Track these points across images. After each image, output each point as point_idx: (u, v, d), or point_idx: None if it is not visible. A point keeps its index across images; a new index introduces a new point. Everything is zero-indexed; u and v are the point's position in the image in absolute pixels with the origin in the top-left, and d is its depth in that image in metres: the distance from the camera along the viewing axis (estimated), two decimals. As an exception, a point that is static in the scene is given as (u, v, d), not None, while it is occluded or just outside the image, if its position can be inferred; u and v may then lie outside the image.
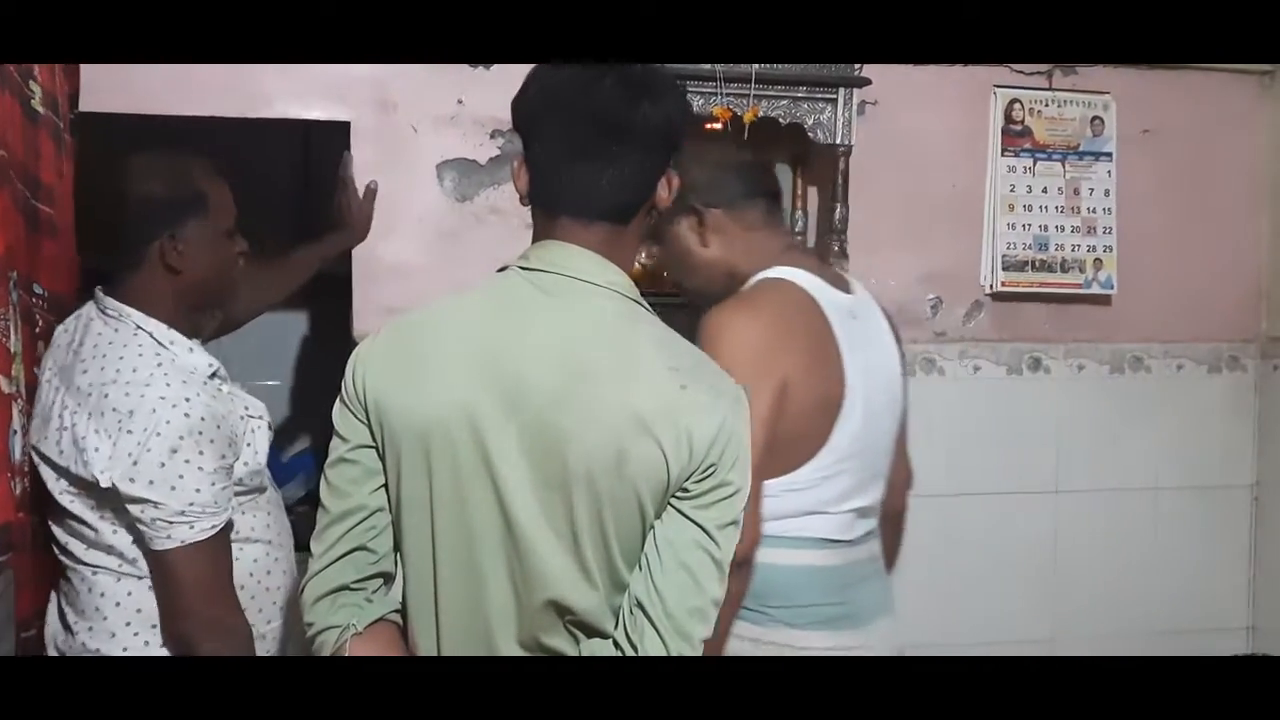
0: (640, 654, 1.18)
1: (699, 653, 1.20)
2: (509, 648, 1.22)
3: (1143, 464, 2.86)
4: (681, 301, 1.89)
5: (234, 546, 1.63)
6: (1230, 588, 2.95)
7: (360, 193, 2.26)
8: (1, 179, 1.52)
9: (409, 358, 1.22)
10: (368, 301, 2.38)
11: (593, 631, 1.22)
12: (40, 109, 1.71)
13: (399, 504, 1.23)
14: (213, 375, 1.65)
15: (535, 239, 1.27)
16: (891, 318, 1.81)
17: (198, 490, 1.52)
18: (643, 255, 2.19)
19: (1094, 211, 2.77)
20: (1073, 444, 2.82)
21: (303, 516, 1.98)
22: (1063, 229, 2.75)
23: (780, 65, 2.37)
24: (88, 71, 2.03)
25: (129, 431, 1.51)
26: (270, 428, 1.72)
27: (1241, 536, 2.95)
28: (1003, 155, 2.72)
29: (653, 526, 1.20)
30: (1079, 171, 2.76)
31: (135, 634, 1.59)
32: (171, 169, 1.64)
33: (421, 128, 2.41)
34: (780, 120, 2.42)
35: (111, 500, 1.54)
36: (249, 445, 1.65)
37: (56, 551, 1.63)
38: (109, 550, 1.58)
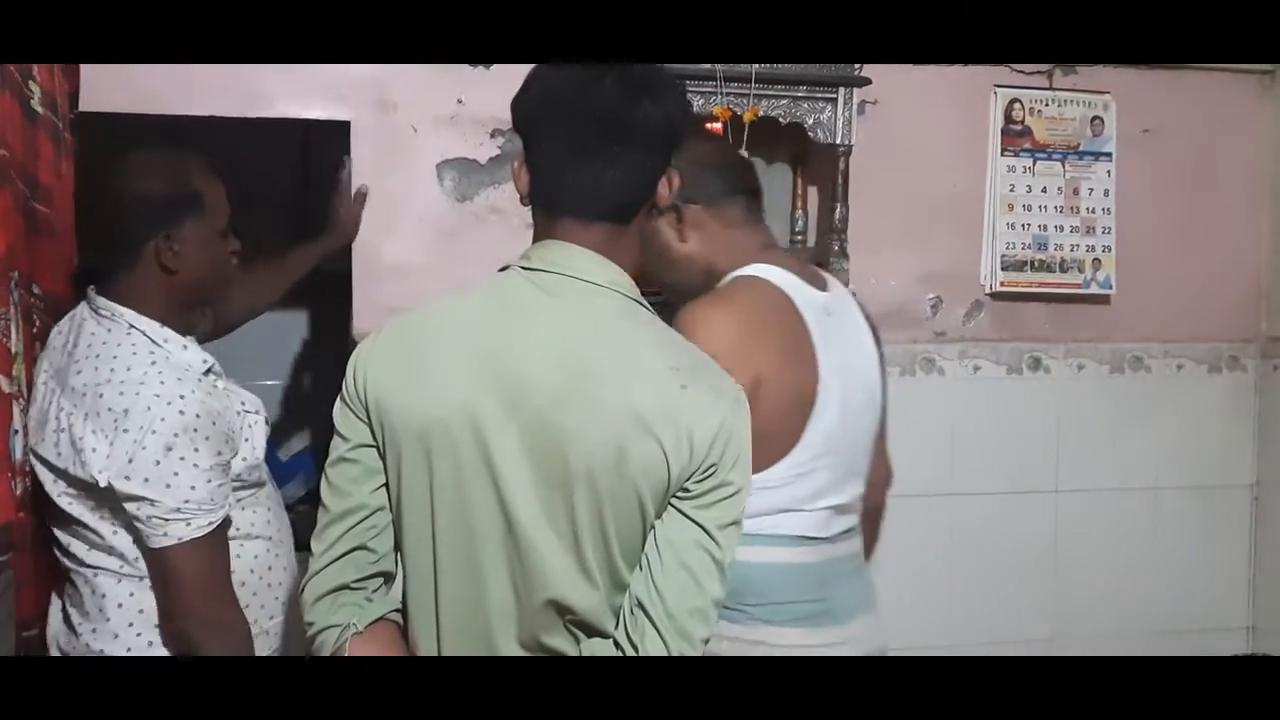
0: (641, 654, 1.18)
1: (700, 653, 1.20)
2: (509, 647, 1.22)
3: (1143, 464, 2.86)
4: (663, 299, 1.89)
5: (235, 543, 1.63)
6: (1230, 587, 2.95)
7: (352, 196, 2.26)
8: (2, 179, 1.52)
9: (410, 357, 1.22)
10: (368, 301, 2.38)
11: (593, 631, 1.22)
12: (39, 109, 1.71)
13: (399, 503, 1.23)
14: (207, 372, 1.65)
15: (536, 239, 1.27)
16: (870, 316, 1.81)
17: (193, 487, 1.52)
18: None
19: (1093, 211, 2.77)
20: (1073, 444, 2.82)
21: (303, 516, 1.98)
22: (1062, 229, 2.75)
23: (780, 65, 2.37)
24: (88, 71, 2.03)
25: (125, 430, 1.51)
26: (267, 423, 1.73)
27: (1241, 536, 2.95)
28: (1002, 155, 2.72)
29: (653, 526, 1.20)
30: (1079, 171, 2.76)
31: (138, 634, 1.59)
32: (168, 169, 1.64)
33: (421, 127, 2.41)
34: (780, 120, 2.42)
35: (110, 500, 1.54)
36: (246, 441, 1.65)
37: (58, 554, 1.63)
38: (110, 551, 1.58)
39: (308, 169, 2.94)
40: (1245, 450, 2.94)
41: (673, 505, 1.19)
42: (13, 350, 1.56)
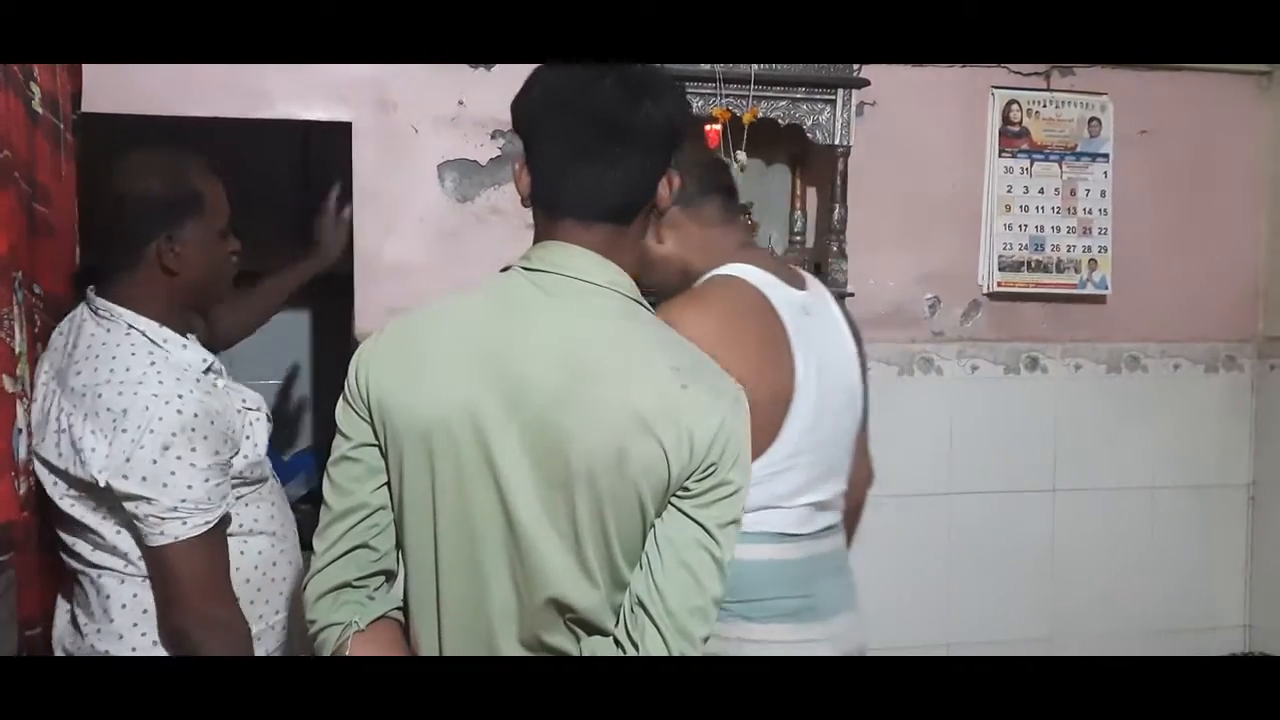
0: (641, 653, 1.18)
1: (700, 651, 1.21)
2: (510, 646, 1.23)
3: (1140, 463, 2.87)
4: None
5: (238, 539, 1.63)
6: (1227, 586, 2.96)
7: (337, 216, 2.23)
8: (6, 179, 1.52)
9: (411, 357, 1.23)
10: (369, 301, 2.39)
11: (594, 630, 1.22)
12: (40, 110, 1.72)
13: (401, 502, 1.24)
14: (207, 370, 1.65)
15: (537, 239, 1.27)
16: (850, 315, 1.81)
17: (190, 487, 1.52)
18: None
19: (1090, 212, 2.78)
20: (1070, 443, 2.83)
21: (305, 515, 1.98)
22: (1059, 229, 2.76)
23: (779, 66, 2.37)
24: (90, 72, 2.04)
25: (124, 430, 1.51)
26: (269, 420, 1.73)
27: (1238, 535, 2.96)
28: (1000, 156, 2.73)
29: (653, 525, 1.20)
30: (1076, 172, 2.77)
31: (143, 634, 1.59)
32: (169, 169, 1.64)
33: (422, 128, 2.42)
34: (779, 121, 2.43)
35: (110, 501, 1.54)
36: (248, 438, 1.65)
37: (64, 555, 1.63)
38: (113, 552, 1.59)
39: (308, 169, 2.94)
40: (1242, 450, 2.95)
41: (673, 504, 1.19)
42: (16, 350, 1.56)
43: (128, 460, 1.50)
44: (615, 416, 1.16)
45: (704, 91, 2.33)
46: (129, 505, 1.52)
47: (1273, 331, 2.92)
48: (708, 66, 2.31)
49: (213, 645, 1.54)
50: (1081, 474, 2.83)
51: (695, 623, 1.20)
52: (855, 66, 2.44)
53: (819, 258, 2.56)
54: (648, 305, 1.28)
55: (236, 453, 1.62)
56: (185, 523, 1.52)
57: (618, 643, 1.21)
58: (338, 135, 2.37)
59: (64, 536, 1.62)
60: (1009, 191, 2.74)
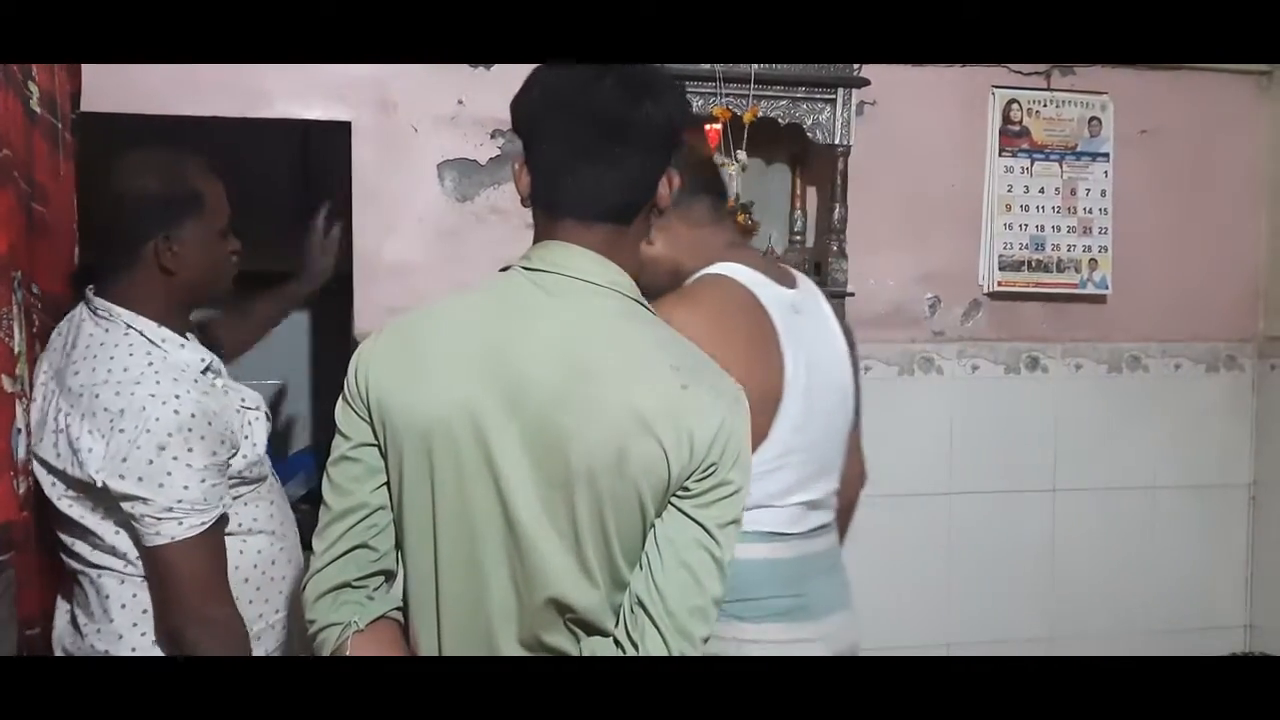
0: (641, 653, 1.18)
1: (700, 651, 1.21)
2: (510, 646, 1.23)
3: (1140, 463, 2.87)
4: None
5: (237, 538, 1.63)
6: (1228, 586, 2.96)
7: (326, 236, 2.20)
8: (5, 178, 1.52)
9: (411, 357, 1.23)
10: (369, 301, 2.39)
11: (593, 630, 1.22)
12: (37, 109, 1.72)
13: (401, 502, 1.24)
14: (206, 369, 1.65)
15: (537, 239, 1.27)
16: (841, 314, 1.81)
17: (185, 487, 1.52)
18: None
19: (1090, 212, 2.78)
20: (1070, 443, 2.82)
21: (304, 515, 1.98)
22: (1059, 229, 2.76)
23: (779, 65, 2.37)
24: (89, 71, 2.04)
25: (121, 430, 1.51)
26: (268, 418, 1.73)
27: (1239, 535, 2.96)
28: (1000, 155, 2.73)
29: (653, 525, 1.20)
30: (1076, 172, 2.77)
31: (143, 634, 1.59)
32: (167, 169, 1.64)
33: (422, 128, 2.42)
34: (779, 120, 2.43)
35: (108, 501, 1.54)
36: (246, 438, 1.65)
37: (64, 555, 1.63)
38: (112, 552, 1.59)
39: (307, 169, 2.94)
40: (1242, 449, 2.95)
41: (673, 504, 1.19)
42: (15, 350, 1.56)
43: (124, 460, 1.50)
44: (615, 416, 1.16)
45: (704, 91, 2.33)
46: (125, 505, 1.52)
47: (1273, 331, 2.92)
48: (708, 66, 2.31)
49: (209, 645, 1.54)
50: (1081, 474, 2.83)
51: (695, 623, 1.20)
52: (855, 66, 2.44)
53: (819, 257, 2.56)
54: (648, 305, 1.28)
55: (236, 453, 1.62)
56: (181, 523, 1.52)
57: (617, 643, 1.21)
58: (337, 135, 2.37)
59: (63, 537, 1.62)
60: (1009, 191, 2.73)
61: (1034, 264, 2.75)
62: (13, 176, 1.55)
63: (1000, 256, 2.73)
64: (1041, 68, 2.74)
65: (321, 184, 2.44)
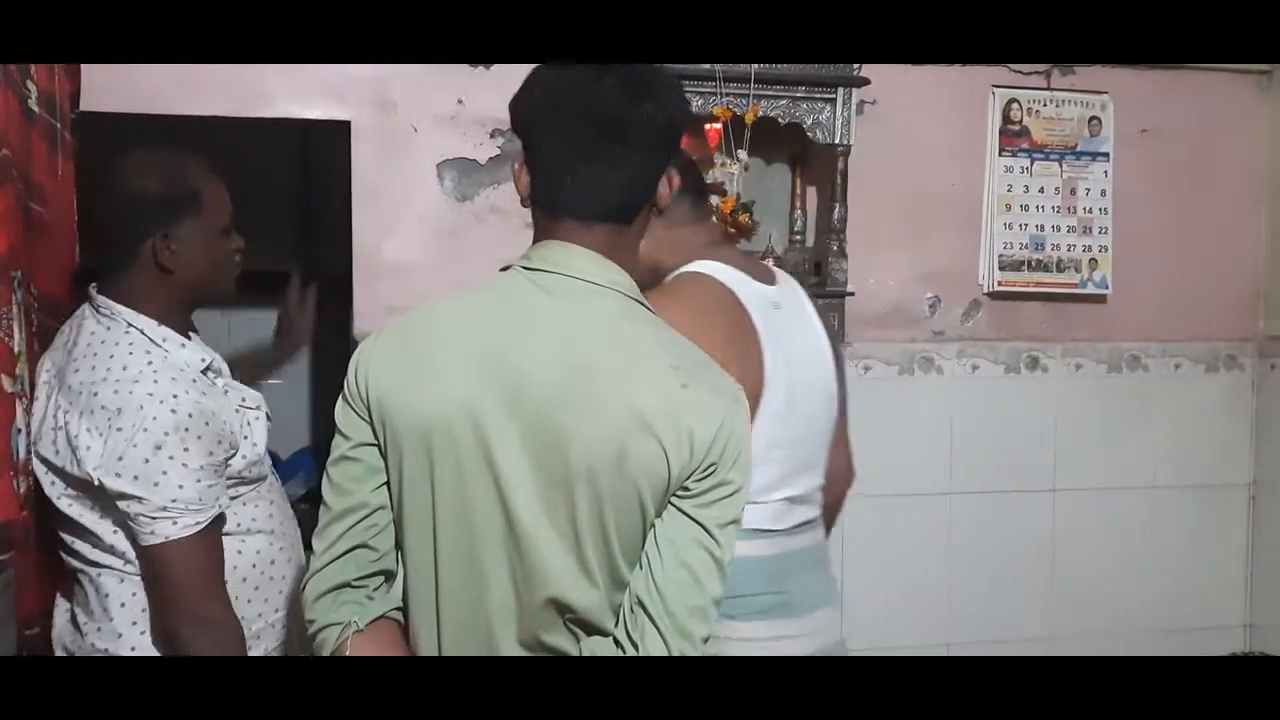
0: (641, 653, 1.18)
1: (700, 651, 1.21)
2: (509, 646, 1.23)
3: (1140, 463, 2.87)
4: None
5: (236, 538, 1.63)
6: (1228, 586, 2.96)
7: (302, 305, 2.14)
8: (4, 177, 1.52)
9: (411, 356, 1.23)
10: (368, 301, 2.39)
11: (593, 629, 1.22)
12: (36, 108, 1.72)
13: (401, 501, 1.24)
14: (206, 369, 1.65)
15: (537, 239, 1.27)
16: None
17: (181, 486, 1.52)
18: None
19: (1090, 211, 2.78)
20: (1070, 443, 2.83)
21: (304, 515, 1.98)
22: (1059, 229, 2.76)
23: (779, 65, 2.37)
24: (89, 71, 2.04)
25: (118, 429, 1.51)
26: (269, 418, 1.73)
27: (1239, 535, 2.96)
28: (1000, 155, 2.73)
29: (653, 525, 1.20)
30: (1076, 171, 2.77)
31: (142, 633, 1.60)
32: (165, 168, 1.64)
33: (421, 127, 2.42)
34: (779, 120, 2.43)
35: (107, 499, 1.54)
36: (246, 438, 1.65)
37: (64, 554, 1.63)
38: (110, 550, 1.59)
39: (307, 168, 2.94)
40: (1242, 449, 2.95)
41: (673, 504, 1.19)
42: (15, 349, 1.56)
43: (120, 459, 1.50)
44: (615, 415, 1.16)
45: (704, 90, 2.33)
46: (121, 504, 1.52)
47: (1273, 331, 2.92)
48: (708, 66, 2.31)
49: (204, 645, 1.53)
50: (1082, 473, 2.83)
51: (695, 622, 1.20)
52: (855, 66, 2.44)
53: (819, 257, 2.56)
54: (648, 305, 1.28)
55: (235, 453, 1.62)
56: (176, 522, 1.52)
57: (617, 643, 1.21)
58: (337, 135, 2.37)
59: (63, 535, 1.62)
60: (1009, 191, 2.73)
61: (1034, 264, 2.75)
62: (11, 176, 1.55)
63: (1000, 256, 2.73)
64: (1041, 67, 2.74)
65: (321, 184, 2.44)
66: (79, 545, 1.60)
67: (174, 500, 1.51)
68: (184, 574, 1.54)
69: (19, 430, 1.57)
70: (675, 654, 1.18)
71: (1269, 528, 2.93)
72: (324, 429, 2.38)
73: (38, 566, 1.64)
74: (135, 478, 1.50)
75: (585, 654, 1.22)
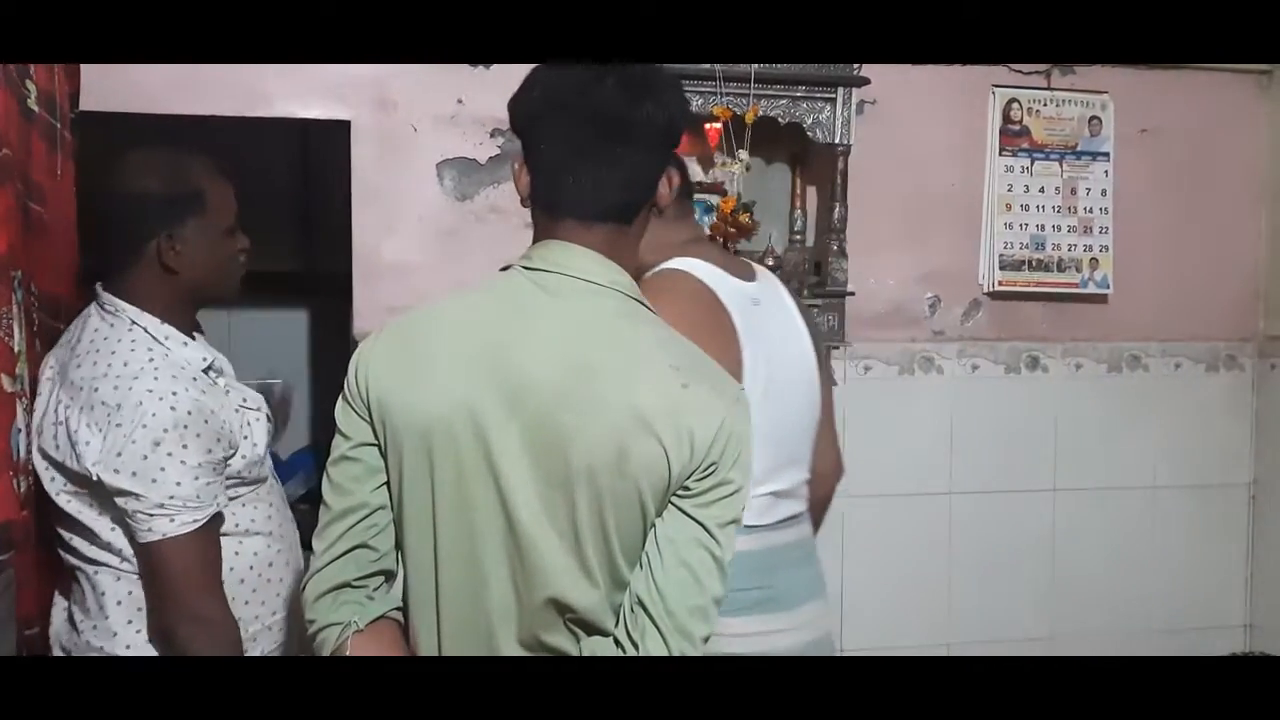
0: (641, 652, 1.18)
1: (700, 651, 1.21)
2: (510, 646, 1.23)
3: (1141, 462, 2.87)
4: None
5: (234, 539, 1.63)
6: (1228, 586, 2.96)
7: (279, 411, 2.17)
8: (4, 178, 1.52)
9: (411, 356, 1.23)
10: (368, 300, 2.39)
11: (593, 629, 1.22)
12: (35, 108, 1.72)
13: (401, 501, 1.24)
14: (208, 369, 1.65)
15: (536, 239, 1.27)
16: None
17: (178, 484, 1.52)
18: None
19: (1091, 211, 2.78)
20: (1071, 443, 2.82)
21: (304, 515, 1.98)
22: (1059, 229, 2.76)
23: (779, 65, 2.37)
24: (89, 71, 2.04)
25: (118, 425, 1.51)
26: (269, 420, 1.73)
27: (1239, 535, 2.96)
28: (1001, 155, 2.73)
29: (654, 524, 1.20)
30: (1076, 171, 2.77)
31: (138, 631, 1.60)
32: (169, 168, 1.64)
33: (421, 127, 2.42)
34: (779, 120, 2.43)
35: (105, 495, 1.54)
36: (246, 438, 1.65)
37: (62, 551, 1.64)
38: (107, 548, 1.59)
39: (307, 168, 2.94)
40: (1243, 449, 2.95)
41: (673, 503, 1.19)
42: (15, 349, 1.56)
43: (119, 455, 1.51)
44: (616, 415, 1.16)
45: (704, 90, 2.33)
46: (119, 500, 1.52)
47: (1273, 330, 2.92)
48: (708, 66, 2.31)
49: (200, 644, 1.53)
50: (1082, 473, 2.83)
51: (695, 622, 1.20)
52: (855, 66, 2.44)
53: (819, 257, 2.56)
54: (648, 304, 1.28)
55: (234, 452, 1.62)
56: (173, 520, 1.52)
57: (618, 643, 1.21)
58: (337, 134, 2.37)
59: (61, 532, 1.62)
60: (1009, 190, 2.73)
61: (1034, 263, 2.75)
62: (11, 176, 1.55)
63: (1000, 256, 2.73)
64: (1042, 67, 2.74)
65: (321, 183, 2.44)
66: (77, 542, 1.61)
67: (171, 497, 1.52)
68: (181, 571, 1.54)
69: (19, 430, 1.57)
70: (675, 654, 1.18)
71: (1269, 528, 2.93)
72: (324, 429, 2.38)
73: (38, 566, 1.64)
74: (133, 474, 1.50)
75: (585, 654, 1.22)
